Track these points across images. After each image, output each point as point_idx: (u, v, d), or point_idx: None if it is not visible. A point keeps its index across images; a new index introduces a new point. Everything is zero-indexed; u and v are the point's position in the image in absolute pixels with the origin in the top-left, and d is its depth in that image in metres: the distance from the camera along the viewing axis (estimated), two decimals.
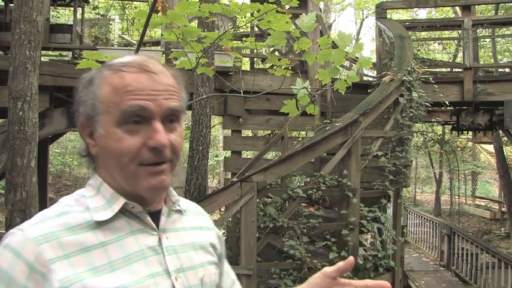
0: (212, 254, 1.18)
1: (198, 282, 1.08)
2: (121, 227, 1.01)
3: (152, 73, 1.01)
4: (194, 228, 1.17)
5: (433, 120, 7.16)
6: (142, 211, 1.03)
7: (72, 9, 7.81)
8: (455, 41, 13.66)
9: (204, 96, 4.88)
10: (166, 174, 1.02)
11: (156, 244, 1.04)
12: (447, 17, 16.62)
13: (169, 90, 1.02)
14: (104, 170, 1.04)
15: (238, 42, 3.57)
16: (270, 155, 7.89)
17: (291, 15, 3.01)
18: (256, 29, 7.85)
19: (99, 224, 0.98)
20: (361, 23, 24.00)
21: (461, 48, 8.03)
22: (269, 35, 3.10)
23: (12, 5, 5.53)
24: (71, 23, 7.63)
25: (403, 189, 5.89)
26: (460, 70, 8.26)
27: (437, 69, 9.14)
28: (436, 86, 6.66)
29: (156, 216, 1.08)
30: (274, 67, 3.69)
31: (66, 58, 8.13)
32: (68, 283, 0.90)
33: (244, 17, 3.38)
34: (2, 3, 7.14)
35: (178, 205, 1.15)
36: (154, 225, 1.05)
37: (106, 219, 0.99)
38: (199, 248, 1.14)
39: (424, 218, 11.67)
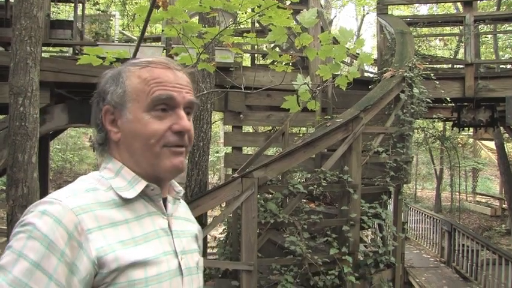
0: (196, 243, 1.31)
1: (195, 265, 1.23)
2: (139, 208, 1.12)
3: (176, 70, 1.17)
4: (186, 219, 1.31)
5: (434, 116, 7.15)
6: (159, 194, 1.15)
7: (72, 5, 7.79)
8: (457, 37, 13.65)
9: (205, 92, 4.87)
10: (184, 156, 1.16)
11: (166, 227, 1.17)
12: (449, 12, 16.57)
13: (188, 86, 1.17)
14: (126, 155, 1.15)
15: (239, 38, 3.55)
16: (271, 151, 7.89)
17: (292, 11, 3.00)
18: (257, 24, 7.85)
19: (124, 203, 1.09)
20: (362, 19, 23.97)
21: (463, 44, 8.01)
22: (270, 30, 3.09)
23: (12, 0, 5.52)
24: (72, 19, 7.61)
25: (404, 185, 5.89)
26: (461, 66, 8.23)
27: (438, 66, 9.12)
28: (437, 82, 6.65)
29: (163, 203, 1.20)
30: (275, 63, 3.68)
31: (67, 54, 8.11)
32: (103, 252, 1.00)
33: (245, 13, 3.37)
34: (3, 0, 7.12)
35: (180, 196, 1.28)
36: (164, 210, 1.18)
37: (131, 197, 1.10)
38: (190, 237, 1.28)
39: (425, 215, 11.67)
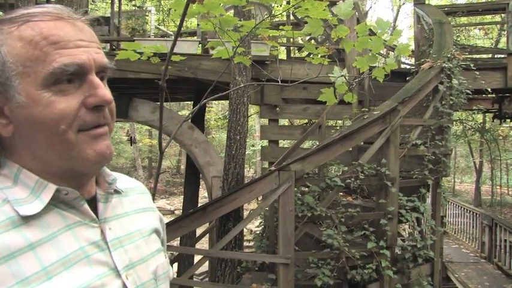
0: (158, 240, 1.03)
1: (151, 276, 0.94)
2: (53, 222, 0.81)
3: (72, 20, 0.83)
4: (138, 211, 1.01)
5: (473, 108, 6.96)
6: (79, 197, 0.84)
7: (109, 1, 7.93)
8: (498, 26, 13.23)
9: (242, 85, 4.89)
10: (109, 138, 0.86)
11: (99, 238, 0.86)
12: (490, 0, 16.09)
13: (95, 42, 0.85)
14: (24, 152, 0.83)
15: (275, 31, 3.54)
16: (307, 144, 7.85)
17: (328, 3, 2.98)
18: (292, 17, 7.81)
19: (25, 220, 0.77)
20: (398, 10, 23.51)
21: (505, 32, 7.76)
22: (305, 23, 3.08)
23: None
24: (109, 15, 7.76)
25: (443, 178, 5.78)
26: (503, 56, 7.98)
27: (478, 56, 8.87)
28: (478, 73, 6.47)
29: (91, 204, 0.89)
30: (311, 55, 3.66)
31: (105, 50, 8.27)
32: None
33: (280, 6, 3.37)
34: None
35: (117, 186, 0.96)
36: (93, 215, 0.87)
37: (34, 213, 0.78)
38: (147, 235, 0.99)
39: (464, 209, 11.42)
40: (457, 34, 9.50)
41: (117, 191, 0.96)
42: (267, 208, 5.48)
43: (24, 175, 0.82)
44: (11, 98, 0.78)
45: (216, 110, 23.35)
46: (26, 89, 0.78)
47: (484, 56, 9.57)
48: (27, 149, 0.82)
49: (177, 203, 20.34)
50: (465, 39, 11.69)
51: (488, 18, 12.90)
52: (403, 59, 10.70)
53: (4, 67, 0.78)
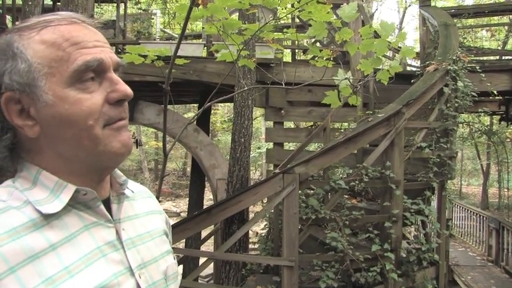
0: (167, 242, 1.07)
1: (162, 276, 0.97)
2: (72, 223, 0.84)
3: (86, 23, 0.88)
4: (147, 213, 1.05)
5: (479, 110, 6.94)
6: (96, 197, 0.87)
7: (115, 4, 7.98)
8: (506, 27, 13.17)
9: (246, 88, 4.90)
10: (128, 131, 0.91)
11: (114, 238, 0.90)
12: (497, 1, 16.03)
13: (107, 43, 0.91)
14: (49, 152, 0.86)
15: (279, 33, 3.55)
16: (313, 147, 7.86)
17: (331, 6, 2.98)
18: (297, 20, 7.82)
19: (47, 220, 0.81)
20: (404, 12, 23.48)
21: None
22: (310, 25, 3.08)
23: (59, 3, 5.71)
24: (114, 18, 7.81)
25: (448, 181, 5.76)
26: (510, 57, 7.95)
27: (485, 58, 8.83)
28: (483, 75, 6.45)
29: (105, 205, 0.92)
30: (316, 58, 3.67)
31: None
32: None
33: (285, 8, 3.38)
34: (51, 2, 7.37)
35: (127, 187, 1.00)
36: (109, 216, 0.91)
37: (55, 211, 0.82)
38: (157, 237, 1.02)
39: (470, 211, 11.35)
40: (464, 36, 9.47)
41: (126, 194, 1.00)
42: (272, 210, 5.48)
43: (44, 176, 0.85)
44: (38, 98, 0.82)
45: (222, 112, 23.40)
46: (52, 88, 0.81)
47: (492, 57, 9.52)
48: (52, 149, 0.85)
49: (183, 205, 20.36)
50: (472, 41, 11.64)
51: (495, 20, 12.84)
52: (409, 61, 10.68)
53: (30, 68, 0.81)
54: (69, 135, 0.83)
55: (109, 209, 0.93)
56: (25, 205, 0.81)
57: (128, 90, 0.87)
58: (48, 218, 0.81)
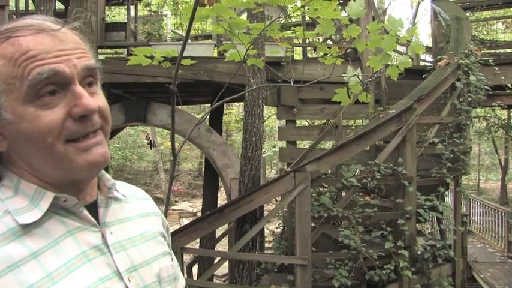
0: (164, 243, 1.05)
1: (155, 279, 0.95)
2: (54, 229, 0.83)
3: (53, 31, 0.83)
4: (141, 215, 1.03)
5: (493, 104, 6.84)
6: (77, 203, 0.86)
7: (126, 7, 8.04)
8: None
9: (254, 87, 4.90)
10: (103, 144, 0.86)
11: (100, 242, 0.88)
12: None
13: (79, 48, 0.86)
14: (21, 164, 0.85)
15: (287, 32, 3.55)
16: (327, 145, 7.81)
17: (338, 2, 2.97)
18: (308, 18, 7.80)
19: (26, 229, 0.80)
20: (417, 7, 23.20)
21: None
22: (318, 23, 3.07)
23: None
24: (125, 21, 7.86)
25: (463, 177, 5.69)
26: None
27: (502, 50, 8.67)
28: (497, 68, 6.34)
29: (92, 209, 0.91)
30: (326, 56, 3.66)
31: (122, 55, 8.40)
32: None
33: (292, 6, 3.37)
34: (63, 7, 7.46)
35: (116, 190, 0.99)
36: (93, 220, 0.89)
37: (33, 221, 0.81)
38: (151, 239, 1.00)
39: (489, 207, 11.20)
40: (478, 29, 9.33)
41: (117, 197, 0.98)
42: (286, 209, 5.47)
43: (24, 185, 0.84)
44: (0, 115, 0.80)
45: (237, 112, 23.43)
46: (11, 106, 0.79)
47: (508, 50, 9.36)
48: (23, 162, 0.85)
49: (199, 205, 20.43)
50: (486, 33, 11.47)
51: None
52: (422, 56, 10.57)
53: None
54: (33, 152, 0.82)
55: (96, 213, 0.91)
56: (5, 215, 0.80)
57: (91, 105, 0.82)
58: (28, 227, 0.80)
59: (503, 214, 10.20)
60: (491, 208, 11.04)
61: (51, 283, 0.77)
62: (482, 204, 11.73)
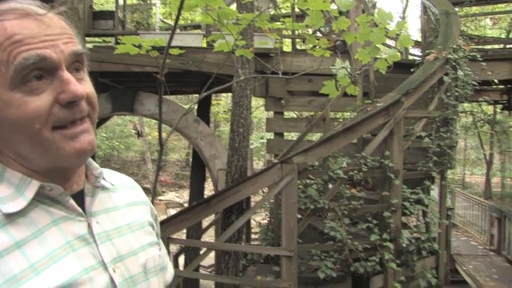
0: (152, 233, 1.04)
1: (141, 269, 0.94)
2: (39, 218, 0.81)
3: (39, 15, 0.81)
4: (129, 204, 1.01)
5: (480, 99, 6.90)
6: (63, 193, 0.85)
7: None
8: (510, 15, 13.05)
9: (242, 78, 4.88)
10: (90, 132, 0.85)
11: (85, 232, 0.86)
12: None
13: (66, 33, 0.83)
14: (7, 152, 0.83)
15: (278, 23, 3.54)
16: (315, 137, 7.83)
17: None
18: (297, 9, 7.78)
19: (10, 218, 0.78)
20: (407, 1, 23.27)
21: None
22: (308, 15, 3.07)
23: None
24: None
25: (449, 171, 5.74)
26: None
27: (489, 46, 8.74)
28: (484, 64, 6.39)
29: (79, 198, 0.89)
30: (315, 47, 3.65)
31: (110, 44, 8.32)
32: None
33: None
34: None
35: (104, 179, 0.97)
36: (80, 210, 0.87)
37: (18, 210, 0.79)
38: (138, 229, 0.99)
39: (473, 201, 11.33)
40: (467, 24, 9.38)
41: (104, 186, 0.96)
42: (272, 201, 5.48)
43: (9, 173, 0.82)
44: None
45: (225, 102, 23.37)
46: None
47: (496, 46, 9.44)
48: (10, 150, 0.82)
49: (186, 195, 20.40)
50: (475, 29, 11.54)
51: (501, 7, 12.68)
52: (412, 50, 10.61)
53: None
54: (20, 139, 0.80)
55: (83, 202, 0.90)
56: None
57: (79, 91, 0.80)
58: (12, 216, 0.78)
59: (486, 208, 10.33)
60: (476, 202, 11.17)
61: (34, 274, 0.75)
62: (467, 198, 11.87)
